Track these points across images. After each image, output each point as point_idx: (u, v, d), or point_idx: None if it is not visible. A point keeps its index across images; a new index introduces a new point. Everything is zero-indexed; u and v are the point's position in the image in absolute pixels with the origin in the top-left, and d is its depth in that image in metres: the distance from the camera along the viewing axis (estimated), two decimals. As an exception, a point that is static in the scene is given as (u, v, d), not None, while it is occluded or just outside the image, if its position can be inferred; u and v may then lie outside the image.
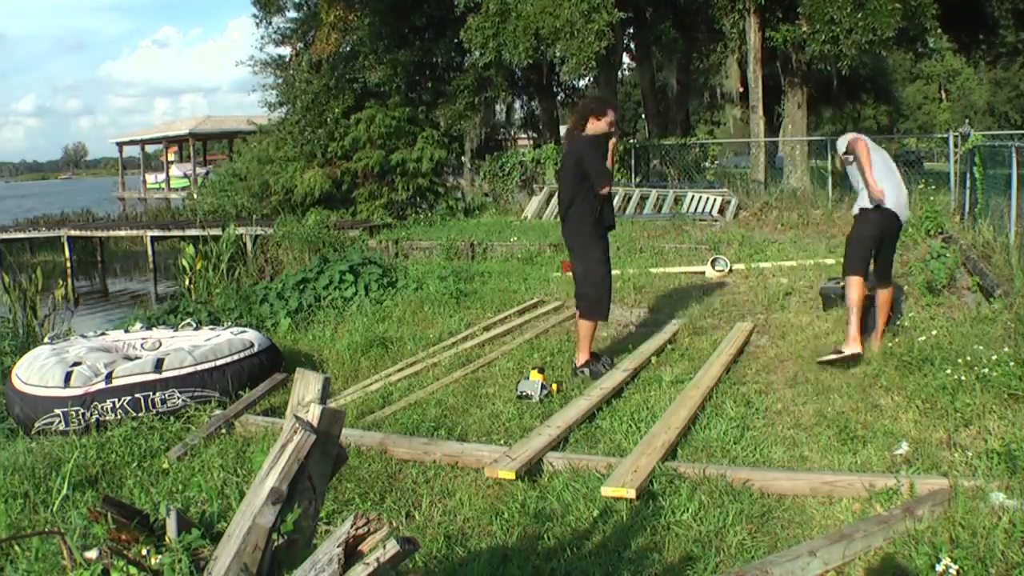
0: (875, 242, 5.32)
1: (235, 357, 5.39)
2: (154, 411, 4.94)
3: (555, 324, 6.80)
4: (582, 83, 23.97)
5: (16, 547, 3.17)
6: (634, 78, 32.43)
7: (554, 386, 4.98)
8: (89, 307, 16.13)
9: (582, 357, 5.39)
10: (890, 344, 5.26)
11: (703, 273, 8.76)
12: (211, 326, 6.47)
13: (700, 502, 3.29)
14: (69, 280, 16.44)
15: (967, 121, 29.92)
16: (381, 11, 17.84)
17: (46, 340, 6.01)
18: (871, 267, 5.38)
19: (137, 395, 4.97)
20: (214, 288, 10.47)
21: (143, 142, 39.62)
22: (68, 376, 5.04)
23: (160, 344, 5.98)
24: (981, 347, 4.71)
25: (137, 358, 5.52)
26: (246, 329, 6.08)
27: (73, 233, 21.29)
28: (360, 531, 1.73)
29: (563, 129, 29.50)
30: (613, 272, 8.96)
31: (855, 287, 5.21)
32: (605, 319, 5.63)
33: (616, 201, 15.60)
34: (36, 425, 4.96)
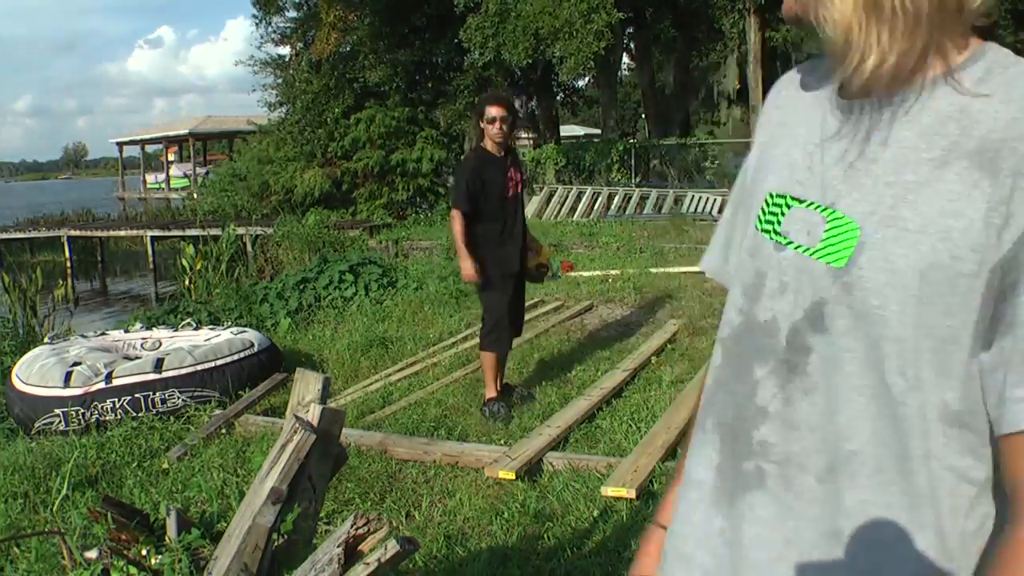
0: None
1: (235, 357, 5.39)
2: (154, 411, 4.94)
3: (555, 324, 6.80)
4: (582, 83, 24.01)
5: (16, 547, 3.17)
6: (634, 78, 32.44)
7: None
8: (89, 307, 16.13)
9: (490, 392, 4.71)
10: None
11: (703, 273, 8.74)
12: (211, 326, 6.47)
13: (700, 502, 3.29)
14: (69, 280, 16.42)
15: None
16: (381, 11, 17.84)
17: (46, 340, 6.02)
18: None
19: (137, 395, 4.97)
20: (214, 288, 10.46)
21: (143, 142, 39.60)
22: (68, 376, 5.04)
23: (160, 344, 5.98)
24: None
25: (137, 358, 5.52)
26: (246, 329, 6.09)
27: (73, 233, 21.29)
28: (360, 531, 1.73)
29: (563, 129, 29.57)
30: (613, 272, 9.06)
31: None
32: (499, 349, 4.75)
33: (616, 201, 15.64)
34: (36, 425, 4.96)
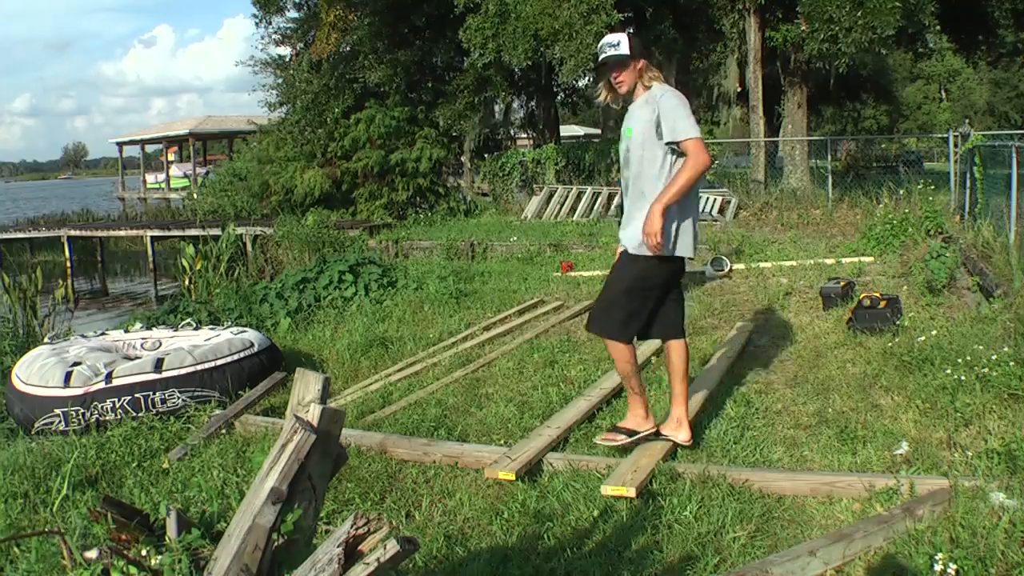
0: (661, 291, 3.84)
1: (235, 357, 5.39)
2: (154, 411, 4.94)
3: (555, 324, 6.80)
4: (582, 83, 23.97)
5: (16, 547, 3.17)
6: (634, 78, 32.31)
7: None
8: (89, 307, 16.13)
9: None
10: (890, 344, 5.26)
11: (703, 273, 8.75)
12: (211, 326, 6.47)
13: (700, 502, 3.29)
14: (69, 280, 16.43)
15: (967, 121, 29.92)
16: (381, 11, 17.82)
17: (46, 340, 6.01)
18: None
19: (137, 395, 4.97)
20: (214, 288, 10.47)
21: (143, 142, 39.58)
22: (68, 376, 5.04)
23: (160, 344, 5.98)
24: (981, 347, 4.71)
25: (137, 358, 5.52)
26: (246, 329, 6.08)
27: (73, 233, 21.30)
28: (360, 531, 1.73)
29: (563, 129, 29.56)
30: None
31: (624, 355, 3.83)
32: None
33: (616, 201, 15.65)
34: (36, 425, 4.96)
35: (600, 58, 3.68)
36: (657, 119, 3.56)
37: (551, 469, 3.76)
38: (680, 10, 19.43)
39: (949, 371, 4.44)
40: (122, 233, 21.90)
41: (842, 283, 6.75)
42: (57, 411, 4.93)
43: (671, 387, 3.97)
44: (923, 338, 5.12)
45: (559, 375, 5.34)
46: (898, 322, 5.64)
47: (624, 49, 3.60)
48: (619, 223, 4.01)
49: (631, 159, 3.69)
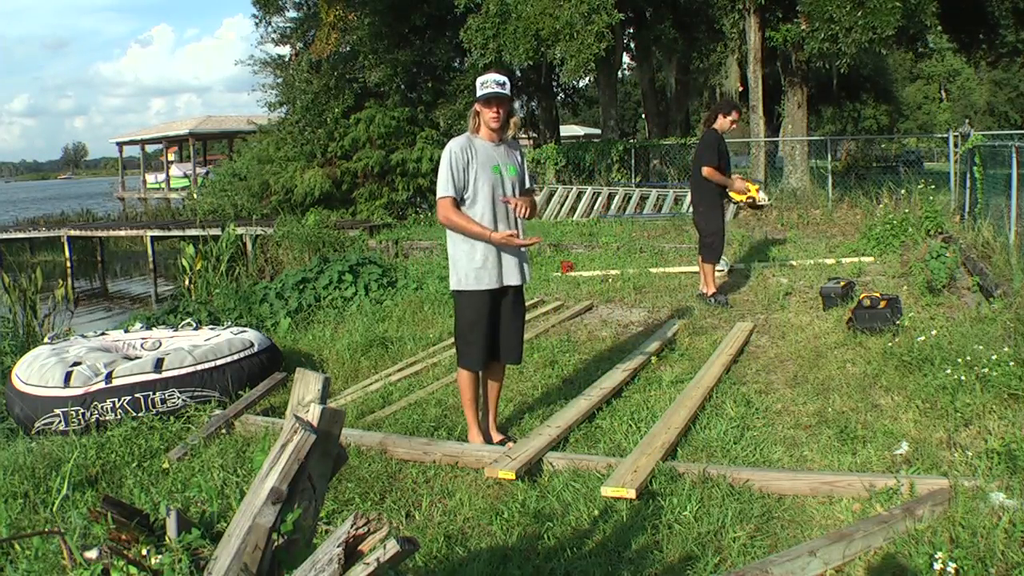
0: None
1: (235, 357, 5.39)
2: (154, 411, 4.94)
3: (555, 324, 6.80)
4: (582, 83, 24.01)
5: (16, 547, 3.17)
6: (634, 78, 32.41)
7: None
8: (89, 307, 16.14)
9: (710, 290, 7.11)
10: (890, 344, 5.26)
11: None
12: (211, 326, 6.47)
13: (700, 502, 3.29)
14: (69, 280, 16.43)
15: (967, 121, 29.90)
16: (381, 11, 17.83)
17: (46, 340, 6.01)
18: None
19: (137, 395, 4.97)
20: (214, 288, 10.46)
21: (143, 142, 39.57)
22: (68, 376, 5.04)
23: (160, 344, 5.98)
24: (981, 347, 4.71)
25: (137, 358, 5.52)
26: (246, 329, 6.08)
27: (73, 233, 21.30)
28: (360, 531, 1.73)
29: (563, 129, 29.57)
30: (613, 272, 9.08)
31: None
32: (718, 261, 7.30)
33: (616, 201, 15.66)
34: (36, 425, 4.96)
35: (498, 92, 3.96)
36: (523, 166, 4.20)
37: (551, 469, 3.76)
38: (680, 10, 19.44)
39: (949, 371, 4.44)
40: (122, 233, 21.91)
41: (842, 283, 6.74)
42: (57, 411, 4.93)
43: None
44: (923, 338, 5.12)
45: (559, 375, 5.34)
46: (898, 322, 5.64)
47: (508, 90, 4.02)
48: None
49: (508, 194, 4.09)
